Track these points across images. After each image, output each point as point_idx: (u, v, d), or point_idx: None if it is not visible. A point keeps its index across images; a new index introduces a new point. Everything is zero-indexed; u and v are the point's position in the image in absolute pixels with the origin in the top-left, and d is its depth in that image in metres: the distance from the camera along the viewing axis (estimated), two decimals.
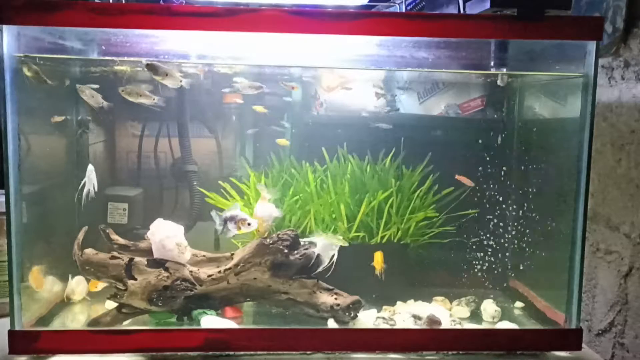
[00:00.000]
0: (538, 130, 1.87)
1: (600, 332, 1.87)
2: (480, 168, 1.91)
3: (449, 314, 1.72)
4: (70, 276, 1.71)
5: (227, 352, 1.50)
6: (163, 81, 1.59)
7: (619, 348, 1.79)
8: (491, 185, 1.91)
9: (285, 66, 1.87)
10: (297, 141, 1.96)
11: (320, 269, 1.59)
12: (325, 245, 1.60)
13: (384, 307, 1.73)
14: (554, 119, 1.82)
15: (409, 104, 2.08)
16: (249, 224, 1.57)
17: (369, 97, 1.97)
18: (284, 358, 1.51)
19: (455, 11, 1.65)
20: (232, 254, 1.67)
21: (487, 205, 1.91)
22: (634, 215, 1.72)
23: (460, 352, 1.54)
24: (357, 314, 1.61)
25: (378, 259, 1.70)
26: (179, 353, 1.49)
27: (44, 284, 1.64)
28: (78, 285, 1.73)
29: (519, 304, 1.86)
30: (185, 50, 1.73)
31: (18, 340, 1.46)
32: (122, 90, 1.65)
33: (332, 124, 1.98)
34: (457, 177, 1.85)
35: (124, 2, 1.68)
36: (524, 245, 1.87)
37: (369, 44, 1.61)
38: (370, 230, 1.84)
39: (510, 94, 1.95)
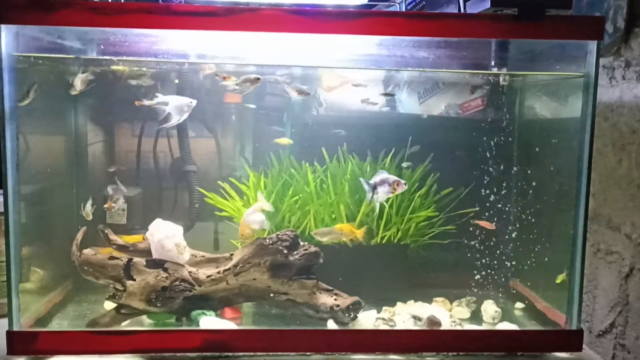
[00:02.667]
0: (539, 130, 1.87)
1: (600, 333, 1.86)
2: (480, 168, 1.90)
3: (449, 314, 1.71)
4: None
5: (226, 353, 1.50)
6: None
7: (619, 349, 1.78)
8: (491, 186, 1.90)
9: (285, 66, 1.86)
10: (296, 141, 1.95)
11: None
12: (177, 105, 1.59)
13: (384, 307, 1.73)
14: (555, 119, 1.82)
15: (409, 104, 2.08)
16: (404, 184, 1.58)
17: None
18: (283, 359, 1.50)
19: (455, 11, 1.65)
20: (232, 255, 1.66)
21: (488, 206, 1.91)
22: (635, 215, 1.72)
23: (461, 353, 1.53)
24: (357, 315, 1.61)
25: (350, 229, 1.67)
26: (177, 354, 1.48)
27: None
28: None
29: (519, 304, 1.85)
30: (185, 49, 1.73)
31: (16, 341, 1.46)
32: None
33: (332, 123, 1.97)
34: (477, 222, 1.84)
35: (123, 1, 1.68)
36: (525, 245, 1.86)
37: (368, 44, 1.61)
38: (370, 231, 1.83)
39: (511, 94, 1.94)
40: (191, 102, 1.61)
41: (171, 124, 1.63)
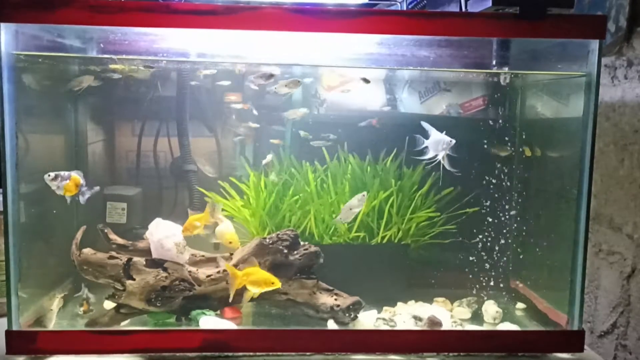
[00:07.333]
0: (540, 129, 1.86)
1: (602, 333, 1.86)
2: (480, 167, 1.89)
3: (450, 315, 1.71)
4: None
5: (225, 353, 1.49)
6: None
7: (621, 350, 1.78)
8: (492, 185, 1.90)
9: (284, 64, 1.86)
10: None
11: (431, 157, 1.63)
12: (436, 141, 1.62)
13: (385, 308, 1.72)
14: (556, 118, 1.81)
15: (410, 104, 2.07)
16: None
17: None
18: (283, 359, 1.50)
19: (456, 9, 1.64)
20: (232, 254, 1.66)
21: (489, 205, 1.90)
22: (637, 215, 1.71)
23: (461, 353, 1.53)
24: (357, 315, 1.60)
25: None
26: (177, 354, 1.48)
27: None
28: None
29: (520, 305, 1.85)
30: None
31: (16, 340, 1.45)
32: None
33: (330, 123, 1.97)
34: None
35: None
36: (526, 246, 1.86)
37: (369, 43, 1.60)
38: (370, 231, 1.83)
39: (512, 94, 1.94)
40: (450, 141, 1.64)
41: (424, 157, 1.68)
